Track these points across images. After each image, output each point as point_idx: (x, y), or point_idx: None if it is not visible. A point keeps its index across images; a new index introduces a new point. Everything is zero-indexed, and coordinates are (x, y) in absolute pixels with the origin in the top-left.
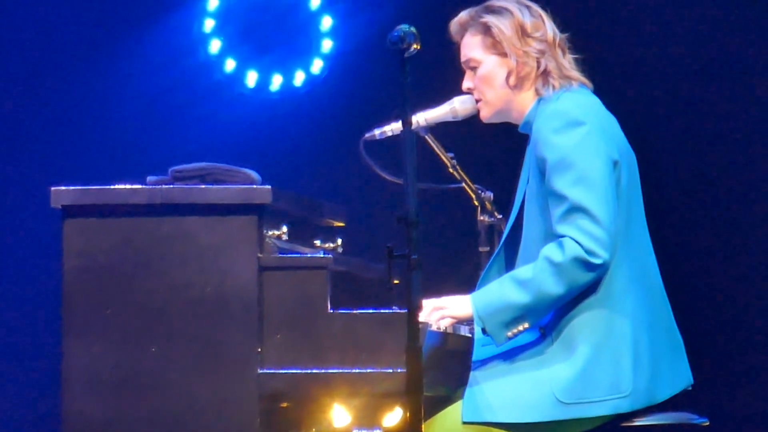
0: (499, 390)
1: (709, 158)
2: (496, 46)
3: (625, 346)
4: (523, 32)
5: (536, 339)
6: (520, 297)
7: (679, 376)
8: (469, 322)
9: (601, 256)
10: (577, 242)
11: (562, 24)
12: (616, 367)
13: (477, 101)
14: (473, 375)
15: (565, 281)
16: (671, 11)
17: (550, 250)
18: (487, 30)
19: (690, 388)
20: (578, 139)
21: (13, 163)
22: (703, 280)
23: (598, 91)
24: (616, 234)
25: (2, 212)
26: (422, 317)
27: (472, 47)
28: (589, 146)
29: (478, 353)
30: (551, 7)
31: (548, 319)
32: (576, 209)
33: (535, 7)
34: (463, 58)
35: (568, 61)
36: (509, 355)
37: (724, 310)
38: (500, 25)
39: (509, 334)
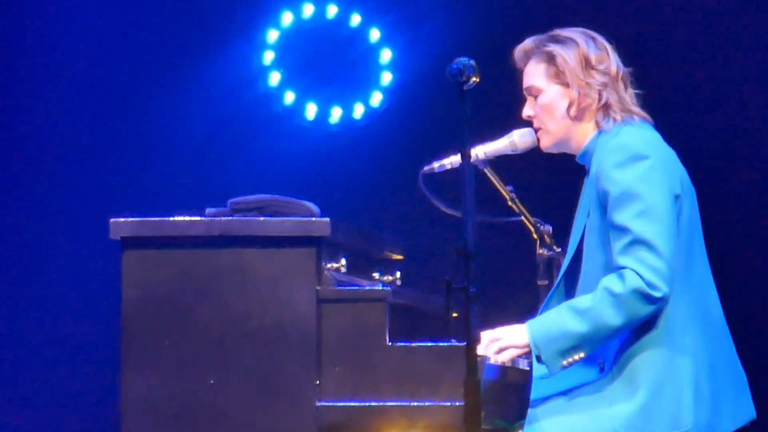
0: (559, 427)
1: None
2: (559, 76)
3: (686, 382)
4: (587, 64)
5: (595, 375)
6: (577, 326)
7: (741, 411)
8: (527, 353)
9: (661, 289)
10: (638, 274)
11: (625, 58)
12: (677, 402)
13: (536, 130)
14: (532, 412)
15: (624, 313)
16: (735, 48)
17: (610, 281)
18: (551, 59)
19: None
20: (642, 173)
21: (73, 195)
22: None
23: (658, 126)
24: (676, 268)
25: (62, 243)
26: (480, 350)
27: (535, 75)
28: (653, 180)
29: (536, 390)
30: (616, 40)
31: (607, 354)
32: (638, 242)
33: (601, 39)
34: (525, 86)
35: (629, 96)
36: (568, 392)
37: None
38: (565, 55)
39: (564, 363)
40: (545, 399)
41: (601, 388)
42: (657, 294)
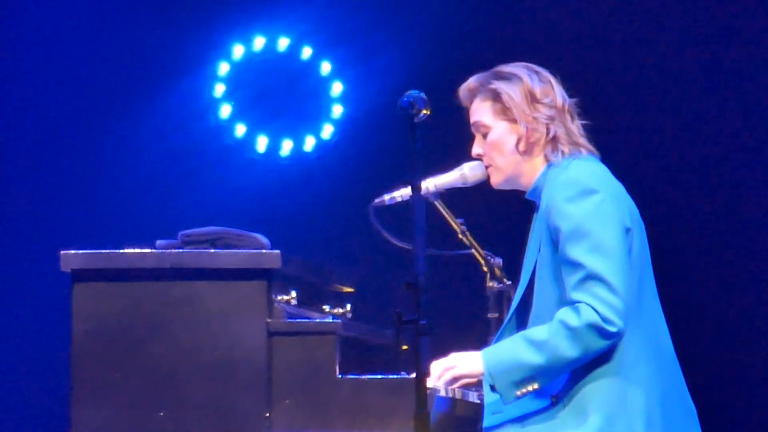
0: None
1: (719, 225)
2: (506, 112)
3: (638, 416)
4: (532, 98)
5: (548, 405)
6: (533, 357)
7: None
8: (478, 385)
9: (616, 324)
10: (594, 309)
11: (570, 89)
12: None
13: (487, 167)
14: None
15: (579, 346)
16: (679, 75)
17: (566, 314)
18: (496, 96)
19: None
20: (592, 208)
21: (23, 227)
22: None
23: (604, 156)
24: (630, 302)
25: (12, 276)
26: (433, 378)
27: (481, 113)
28: (604, 214)
29: (488, 420)
30: (561, 72)
31: (560, 386)
32: (592, 277)
33: (545, 72)
34: (472, 123)
35: (576, 127)
36: (520, 420)
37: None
38: (510, 91)
39: (518, 393)
40: (497, 427)
41: (553, 416)
42: (613, 329)
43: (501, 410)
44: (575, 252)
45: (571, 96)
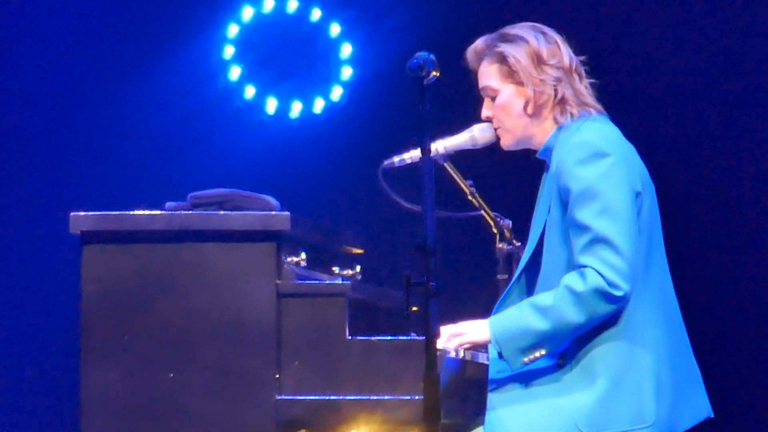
0: (519, 417)
1: (726, 184)
2: (513, 75)
3: (648, 377)
4: (539, 60)
5: (554, 366)
6: (539, 324)
7: (699, 407)
8: (487, 347)
9: (622, 288)
10: (599, 273)
11: (579, 47)
12: (638, 398)
13: (496, 129)
14: (490, 398)
15: (585, 311)
16: (688, 34)
17: (572, 279)
18: (503, 59)
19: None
20: (603, 171)
21: (33, 189)
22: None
23: (612, 116)
24: (637, 266)
25: (21, 237)
26: (440, 344)
27: (489, 76)
28: (614, 178)
29: (493, 375)
30: (570, 30)
31: (567, 347)
32: (599, 240)
33: (551, 32)
34: (480, 87)
35: (585, 87)
36: (526, 378)
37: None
38: (516, 54)
39: (526, 360)
40: (503, 383)
41: (559, 378)
42: (618, 293)
43: (505, 368)
44: (583, 214)
45: (579, 54)
